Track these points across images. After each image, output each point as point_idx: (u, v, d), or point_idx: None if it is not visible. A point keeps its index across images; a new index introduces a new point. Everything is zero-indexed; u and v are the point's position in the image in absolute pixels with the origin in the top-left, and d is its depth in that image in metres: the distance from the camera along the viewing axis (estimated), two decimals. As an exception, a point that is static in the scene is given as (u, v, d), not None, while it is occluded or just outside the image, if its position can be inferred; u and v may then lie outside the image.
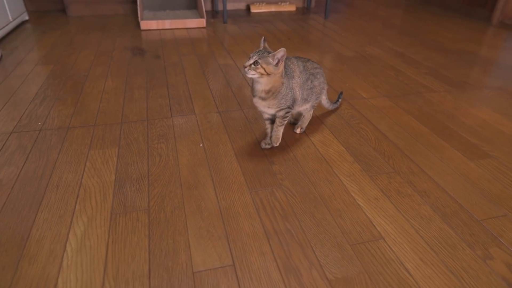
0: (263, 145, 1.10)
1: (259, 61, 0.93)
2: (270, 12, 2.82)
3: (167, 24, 2.32)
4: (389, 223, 0.83)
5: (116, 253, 0.75)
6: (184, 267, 0.72)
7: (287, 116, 1.06)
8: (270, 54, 0.94)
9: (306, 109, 1.16)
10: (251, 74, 0.94)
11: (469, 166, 1.03)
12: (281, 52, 0.93)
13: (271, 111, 1.05)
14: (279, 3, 2.89)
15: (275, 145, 1.11)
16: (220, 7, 2.86)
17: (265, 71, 0.94)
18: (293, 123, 1.25)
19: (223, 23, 2.48)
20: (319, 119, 1.28)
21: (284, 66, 1.00)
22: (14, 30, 2.26)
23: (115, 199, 0.89)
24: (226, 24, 2.47)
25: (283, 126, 1.09)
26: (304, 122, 1.19)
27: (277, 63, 0.94)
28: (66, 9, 2.61)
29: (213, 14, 2.74)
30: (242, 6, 2.92)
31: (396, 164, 1.04)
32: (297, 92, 1.05)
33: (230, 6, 2.89)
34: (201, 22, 2.37)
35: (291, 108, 1.05)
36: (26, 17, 2.45)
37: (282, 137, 1.16)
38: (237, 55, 1.88)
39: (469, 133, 1.19)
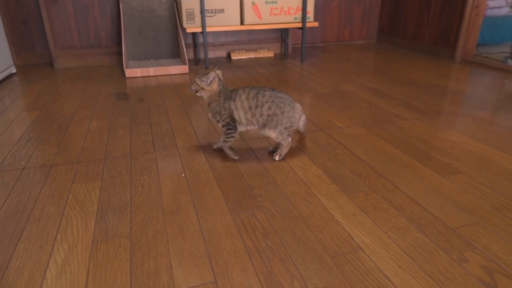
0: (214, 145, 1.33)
1: (197, 80, 1.24)
2: (250, 58, 2.98)
3: (151, 71, 2.42)
4: (367, 235, 0.86)
5: (97, 277, 0.74)
6: (165, 286, 0.72)
7: (228, 134, 1.23)
8: (205, 76, 1.23)
9: (275, 137, 1.21)
10: (192, 87, 1.26)
11: (441, 182, 1.08)
12: (212, 75, 1.22)
13: (214, 121, 1.28)
14: (258, 50, 3.06)
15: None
16: (202, 55, 3.02)
17: (198, 86, 1.24)
18: (272, 151, 1.29)
19: (205, 69, 2.60)
20: (298, 147, 1.33)
21: (233, 90, 1.23)
22: (1, 82, 2.33)
23: (97, 227, 0.90)
24: (207, 69, 2.59)
25: (226, 143, 1.25)
26: (283, 149, 1.24)
27: (210, 83, 1.23)
28: (53, 62, 2.71)
29: (196, 61, 2.88)
30: (223, 53, 3.08)
31: (372, 183, 1.08)
32: (237, 114, 1.21)
33: (211, 54, 3.05)
34: (184, 68, 2.48)
35: (231, 126, 1.22)
36: (13, 70, 2.53)
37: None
38: (218, 96, 1.96)
39: (440, 154, 1.26)
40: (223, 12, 2.52)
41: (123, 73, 2.52)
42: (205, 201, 1.00)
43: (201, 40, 2.98)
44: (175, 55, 2.80)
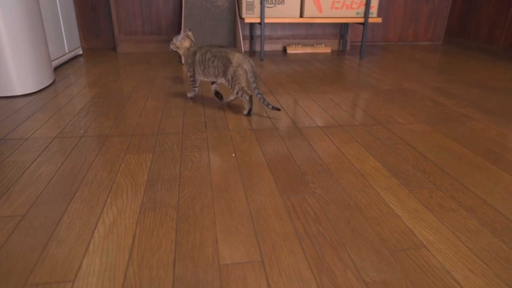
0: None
1: (173, 39, 1.57)
2: (306, 53, 2.91)
3: (207, 59, 2.44)
4: (432, 233, 0.77)
5: (143, 242, 0.73)
6: (210, 259, 0.69)
7: (192, 82, 1.59)
8: (178, 36, 1.55)
9: (228, 85, 1.43)
10: (170, 46, 1.59)
11: (520, 187, 0.95)
12: (182, 35, 1.55)
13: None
14: (315, 45, 2.99)
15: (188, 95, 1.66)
16: (257, 48, 3.00)
17: (174, 44, 1.57)
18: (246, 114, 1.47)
19: (260, 61, 2.58)
20: (354, 138, 1.25)
21: (197, 48, 1.51)
22: (68, 61, 2.47)
23: (146, 196, 0.89)
24: (263, 61, 2.56)
25: (192, 89, 1.62)
26: (245, 106, 1.46)
27: (181, 40, 1.54)
28: (116, 46, 2.83)
29: (251, 54, 2.87)
30: (278, 47, 3.04)
31: (437, 181, 0.98)
32: (196, 67, 1.51)
33: (267, 47, 3.03)
34: (239, 58, 2.47)
35: (193, 76, 1.56)
36: (80, 51, 2.67)
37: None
38: (273, 86, 1.92)
39: (518, 158, 1.12)
40: (283, 3, 2.48)
41: (180, 60, 2.56)
42: (254, 182, 0.96)
43: (258, 32, 2.96)
44: (231, 46, 2.80)
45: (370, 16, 2.59)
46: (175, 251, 0.70)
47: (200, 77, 1.54)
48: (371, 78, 2.11)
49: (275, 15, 2.50)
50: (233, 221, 0.80)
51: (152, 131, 1.29)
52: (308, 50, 2.95)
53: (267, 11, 2.48)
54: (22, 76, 1.67)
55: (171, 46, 1.57)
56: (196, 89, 1.60)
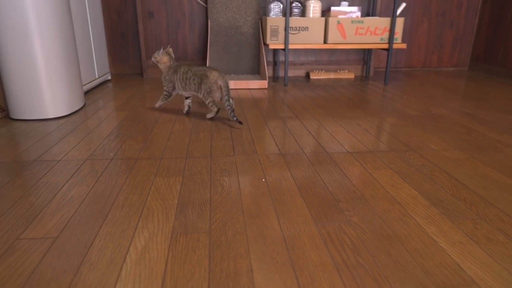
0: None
1: (155, 53, 1.73)
2: (329, 78, 2.92)
3: (231, 84, 2.47)
4: (482, 269, 0.71)
5: (175, 269, 0.70)
6: (245, 289, 0.66)
7: (165, 96, 1.79)
8: (157, 52, 1.73)
9: (203, 98, 1.67)
10: (152, 58, 1.76)
11: None
12: (161, 50, 1.73)
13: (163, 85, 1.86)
14: (338, 71, 2.99)
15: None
16: (281, 73, 3.03)
17: (155, 58, 1.74)
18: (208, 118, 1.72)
19: (283, 86, 2.59)
20: (386, 164, 1.21)
21: (177, 66, 1.72)
22: (98, 86, 2.54)
23: (177, 220, 0.87)
24: (286, 87, 2.57)
25: (162, 100, 1.82)
26: (211, 114, 1.72)
27: (161, 55, 1.72)
28: (143, 72, 2.91)
29: (274, 79, 2.89)
30: (301, 73, 3.06)
31: (480, 211, 0.93)
32: (177, 84, 1.71)
33: (290, 73, 3.05)
34: (263, 83, 2.49)
35: (168, 93, 1.77)
36: (109, 77, 2.75)
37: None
38: (298, 110, 1.91)
39: None
40: (307, 30, 2.51)
41: (205, 85, 2.60)
42: (286, 208, 0.93)
43: (281, 58, 3.00)
44: (255, 71, 2.84)
45: (394, 42, 2.58)
46: (209, 280, 0.68)
47: (180, 92, 1.75)
48: (398, 103, 2.08)
49: (299, 41, 2.53)
50: (267, 248, 0.77)
51: (181, 155, 1.29)
52: (332, 75, 2.95)
53: (291, 37, 2.51)
54: (55, 100, 1.72)
55: (152, 59, 1.76)
56: (166, 101, 1.82)
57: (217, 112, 1.70)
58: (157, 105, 1.84)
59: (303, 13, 2.59)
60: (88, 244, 0.78)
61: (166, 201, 0.96)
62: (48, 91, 1.69)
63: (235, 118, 1.59)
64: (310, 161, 1.24)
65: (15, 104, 1.69)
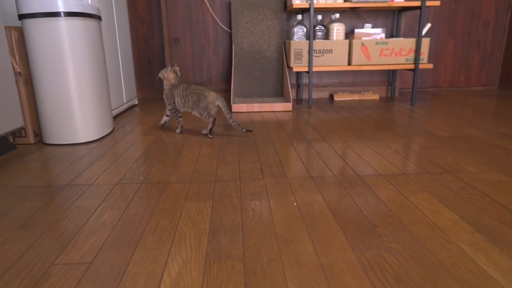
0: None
1: (162, 70, 1.87)
2: (353, 100, 2.89)
3: (256, 107, 2.48)
4: (541, 302, 0.66)
5: (211, 297, 0.68)
6: (285, 321, 0.62)
7: (175, 114, 1.91)
8: (165, 69, 1.87)
9: (199, 115, 1.81)
10: (159, 75, 1.89)
11: None
12: (168, 68, 1.86)
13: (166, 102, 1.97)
14: (362, 92, 2.97)
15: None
16: (304, 95, 3.03)
17: (163, 75, 1.88)
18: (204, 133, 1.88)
19: (308, 108, 2.58)
20: (422, 187, 1.16)
21: (178, 84, 1.86)
22: (125, 110, 2.60)
23: (210, 246, 0.85)
24: (311, 109, 2.56)
25: (170, 116, 1.98)
26: (208, 127, 1.83)
27: (168, 72, 1.86)
28: (168, 96, 2.97)
29: (298, 101, 2.89)
30: (325, 95, 3.05)
31: (530, 237, 0.87)
32: (176, 99, 1.85)
33: (314, 95, 3.04)
34: (288, 106, 2.49)
35: (171, 106, 1.89)
36: (136, 102, 2.83)
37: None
38: (325, 133, 1.89)
39: None
40: (331, 52, 2.52)
41: (230, 109, 2.63)
42: (321, 233, 0.90)
43: (304, 80, 3.01)
44: (279, 94, 2.85)
45: (420, 62, 2.55)
46: (246, 310, 0.65)
47: (181, 108, 1.86)
48: (427, 124, 2.03)
49: (323, 63, 2.54)
50: (304, 277, 0.74)
51: (210, 178, 1.28)
52: (356, 97, 2.93)
53: (315, 60, 2.52)
54: (86, 125, 1.77)
55: (160, 75, 1.88)
56: (181, 120, 1.91)
57: (214, 122, 1.81)
58: (177, 131, 1.93)
59: (326, 36, 2.60)
60: (122, 270, 0.77)
61: (198, 226, 0.95)
62: (79, 116, 1.74)
63: (244, 130, 1.79)
64: (342, 184, 1.21)
65: (48, 129, 1.74)
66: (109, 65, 2.26)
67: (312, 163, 1.42)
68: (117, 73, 2.41)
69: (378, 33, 2.55)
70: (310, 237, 0.88)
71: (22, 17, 1.62)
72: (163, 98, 3.10)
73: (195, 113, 1.82)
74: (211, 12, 2.88)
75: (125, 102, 2.55)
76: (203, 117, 1.80)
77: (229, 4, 2.88)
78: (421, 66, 2.53)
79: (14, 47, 1.66)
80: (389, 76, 3.04)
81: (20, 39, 1.69)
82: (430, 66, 2.55)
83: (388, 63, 2.56)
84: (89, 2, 2.00)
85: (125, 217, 1.00)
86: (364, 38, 2.55)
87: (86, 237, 0.90)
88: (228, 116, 1.75)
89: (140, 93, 3.10)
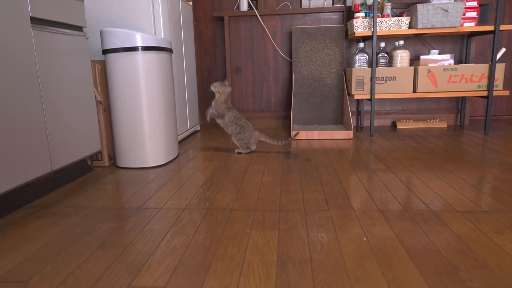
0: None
1: (219, 84, 2.03)
2: (419, 128, 2.76)
3: (316, 134, 2.47)
4: None
5: (283, 334, 0.66)
6: None
7: (213, 113, 2.09)
8: (224, 85, 2.03)
9: (237, 142, 2.10)
10: (212, 88, 2.05)
11: None
12: (225, 82, 2.05)
13: (213, 111, 2.11)
14: (428, 120, 2.83)
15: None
16: (365, 123, 2.95)
17: (217, 89, 2.03)
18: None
19: (369, 136, 2.51)
20: (509, 228, 1.06)
21: (230, 107, 2.07)
22: (189, 136, 2.72)
23: (278, 279, 0.84)
24: (372, 137, 2.49)
25: (210, 115, 2.11)
26: (240, 150, 2.11)
27: (225, 89, 2.03)
28: (229, 122, 3.06)
29: (359, 129, 2.83)
30: (387, 122, 2.95)
31: None
32: (226, 118, 2.06)
33: (375, 123, 2.96)
34: (349, 134, 2.44)
35: (216, 113, 2.07)
36: (198, 128, 2.95)
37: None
38: (389, 162, 1.82)
39: None
40: (395, 80, 2.45)
41: (289, 135, 2.64)
42: (396, 273, 0.85)
43: (365, 107, 2.94)
44: (338, 121, 2.81)
45: (495, 89, 2.38)
46: None
47: (221, 125, 2.09)
48: (504, 155, 1.87)
49: (385, 91, 2.47)
50: (382, 321, 0.69)
51: (274, 207, 1.28)
52: (421, 125, 2.79)
53: (377, 87, 2.47)
54: (155, 151, 1.87)
55: (212, 88, 2.02)
56: (250, 145, 2.09)
57: (248, 153, 2.10)
58: (243, 151, 2.11)
59: (390, 63, 2.55)
60: (194, 298, 0.78)
61: (265, 257, 0.94)
62: (149, 142, 1.85)
63: (282, 142, 2.05)
64: (414, 220, 1.14)
65: (122, 154, 1.87)
66: (177, 93, 2.40)
67: (379, 195, 1.36)
68: (183, 101, 2.54)
69: (446, 59, 2.44)
70: (384, 277, 0.84)
71: (105, 52, 1.79)
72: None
73: (233, 140, 2.09)
74: (272, 42, 2.96)
75: (189, 128, 2.67)
76: (239, 145, 2.08)
77: (290, 34, 2.95)
78: (495, 93, 2.37)
79: (97, 79, 1.83)
80: (458, 103, 2.87)
81: (102, 71, 1.86)
82: (506, 93, 2.37)
83: (458, 90, 2.42)
84: (163, 37, 2.16)
85: (194, 243, 1.03)
86: (430, 65, 2.45)
87: (158, 261, 0.94)
88: (272, 141, 2.05)
89: (202, 120, 3.23)
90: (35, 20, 1.37)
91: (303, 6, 2.87)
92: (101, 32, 1.78)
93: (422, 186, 1.45)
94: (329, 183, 1.52)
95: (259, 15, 2.91)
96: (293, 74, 2.82)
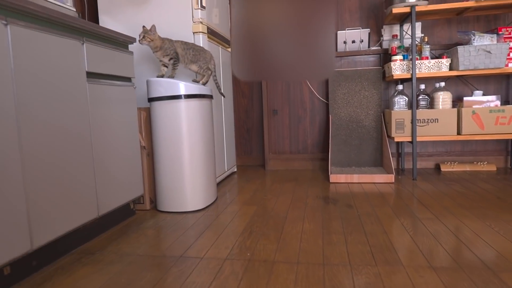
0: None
1: (141, 34, 1.87)
2: (464, 171, 2.63)
3: (355, 178, 2.41)
4: None
5: None
6: None
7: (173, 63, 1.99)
8: (142, 34, 1.87)
9: (197, 69, 2.01)
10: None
11: None
12: (146, 37, 1.88)
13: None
14: (475, 162, 2.69)
15: None
16: (406, 165, 2.86)
17: (149, 39, 1.88)
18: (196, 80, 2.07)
19: (412, 180, 2.41)
20: None
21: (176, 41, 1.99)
22: (226, 178, 2.74)
23: None
24: (415, 181, 2.39)
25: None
26: (204, 78, 2.02)
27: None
28: (265, 164, 3.07)
29: (399, 171, 2.73)
30: (430, 164, 2.84)
31: None
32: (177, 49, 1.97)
33: (417, 165, 2.85)
34: (390, 177, 2.37)
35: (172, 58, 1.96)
36: (235, 169, 2.97)
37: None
38: (437, 210, 1.72)
39: None
40: (437, 122, 2.38)
41: (326, 178, 2.59)
42: None
43: (406, 149, 2.86)
44: (378, 163, 2.74)
45: (548, 131, 2.25)
46: None
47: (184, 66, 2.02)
48: None
49: (428, 133, 2.40)
50: None
51: (317, 260, 1.23)
52: (467, 168, 2.66)
53: (419, 129, 2.40)
54: (194, 195, 1.89)
55: (145, 41, 1.87)
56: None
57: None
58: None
59: (431, 104, 2.49)
60: None
61: (312, 319, 0.89)
62: (189, 187, 1.88)
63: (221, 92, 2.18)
64: (474, 282, 1.05)
65: (162, 197, 1.90)
66: (215, 135, 2.45)
67: (429, 248, 1.28)
68: (221, 143, 2.59)
69: (492, 100, 2.36)
70: None
71: (151, 100, 1.88)
72: (259, 165, 3.20)
73: (191, 67, 2.00)
74: (309, 84, 3.00)
75: (226, 170, 2.69)
76: (201, 71, 2.00)
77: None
78: (549, 135, 2.23)
79: (142, 125, 1.91)
80: (507, 145, 2.73)
81: (147, 118, 1.94)
82: (561, 135, 2.22)
83: (507, 132, 2.31)
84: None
85: (237, 299, 1.00)
86: (475, 106, 2.37)
87: (202, 319, 0.91)
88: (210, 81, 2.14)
89: (238, 160, 3.26)
90: (90, 74, 1.47)
91: (338, 50, 2.92)
92: (147, 81, 1.88)
93: (476, 238, 1.36)
94: (374, 234, 1.45)
95: (296, 59, 2.97)
96: (330, 116, 2.82)
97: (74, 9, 2.13)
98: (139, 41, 1.88)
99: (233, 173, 2.94)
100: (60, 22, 1.29)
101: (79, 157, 1.37)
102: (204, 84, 2.01)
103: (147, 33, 1.86)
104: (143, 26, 1.90)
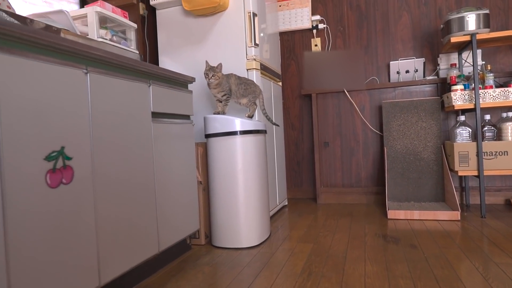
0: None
1: (208, 72, 1.95)
2: (541, 208, 2.39)
3: (415, 214, 2.27)
4: None
5: None
6: None
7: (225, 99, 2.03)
8: (207, 72, 1.95)
9: (246, 103, 2.05)
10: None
11: None
12: (214, 75, 1.94)
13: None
14: (552, 198, 2.44)
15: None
16: (472, 200, 2.65)
17: (217, 76, 1.93)
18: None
19: (480, 217, 2.23)
20: None
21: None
22: (277, 212, 2.71)
23: None
24: (484, 218, 2.20)
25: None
26: (251, 111, 2.05)
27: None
28: (317, 197, 3.00)
29: (463, 207, 2.54)
30: (499, 200, 2.62)
31: None
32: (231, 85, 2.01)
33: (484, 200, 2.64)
34: (455, 215, 2.20)
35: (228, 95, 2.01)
36: (286, 202, 2.93)
37: None
38: (515, 254, 1.56)
39: None
40: (506, 154, 2.21)
41: (383, 213, 2.47)
42: None
43: (470, 183, 2.66)
44: (439, 198, 2.57)
45: None
46: None
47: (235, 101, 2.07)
48: None
49: (496, 167, 2.23)
50: None
51: (386, 309, 1.14)
52: (544, 204, 2.41)
53: (485, 163, 2.24)
54: (249, 231, 1.88)
55: (213, 79, 1.94)
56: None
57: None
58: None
59: (498, 136, 2.32)
60: None
61: None
62: (244, 222, 1.87)
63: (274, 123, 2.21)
64: None
65: (217, 233, 1.90)
66: (268, 169, 2.44)
67: (516, 302, 1.15)
68: (273, 177, 2.58)
69: None
70: None
71: (207, 136, 1.93)
72: (310, 198, 3.13)
73: (242, 101, 2.03)
74: (361, 116, 2.94)
75: (278, 204, 2.66)
76: (249, 104, 2.04)
77: (379, 108, 2.90)
78: None
79: (199, 160, 1.96)
80: None
81: (203, 153, 1.99)
82: None
83: None
84: (257, 119, 2.27)
85: None
86: (550, 137, 2.17)
87: None
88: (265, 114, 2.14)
89: (289, 193, 3.22)
90: (154, 114, 1.54)
91: (391, 80, 2.85)
92: (205, 118, 1.94)
93: None
94: (446, 280, 1.34)
95: (347, 91, 2.94)
96: (384, 148, 2.72)
97: (137, 52, 2.28)
98: (208, 79, 1.93)
99: (284, 206, 2.90)
100: (131, 67, 1.38)
101: (144, 193, 1.41)
102: (250, 117, 2.04)
103: (215, 71, 1.93)
104: (206, 61, 1.99)
